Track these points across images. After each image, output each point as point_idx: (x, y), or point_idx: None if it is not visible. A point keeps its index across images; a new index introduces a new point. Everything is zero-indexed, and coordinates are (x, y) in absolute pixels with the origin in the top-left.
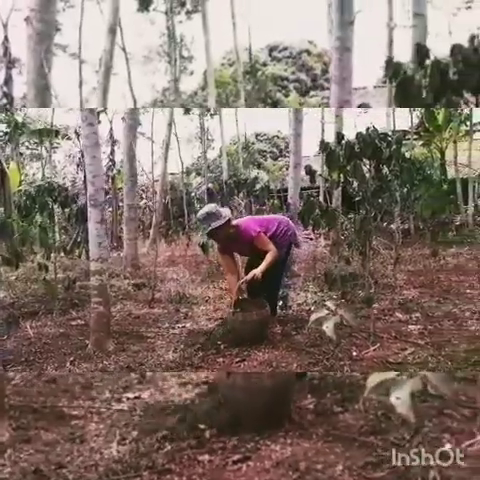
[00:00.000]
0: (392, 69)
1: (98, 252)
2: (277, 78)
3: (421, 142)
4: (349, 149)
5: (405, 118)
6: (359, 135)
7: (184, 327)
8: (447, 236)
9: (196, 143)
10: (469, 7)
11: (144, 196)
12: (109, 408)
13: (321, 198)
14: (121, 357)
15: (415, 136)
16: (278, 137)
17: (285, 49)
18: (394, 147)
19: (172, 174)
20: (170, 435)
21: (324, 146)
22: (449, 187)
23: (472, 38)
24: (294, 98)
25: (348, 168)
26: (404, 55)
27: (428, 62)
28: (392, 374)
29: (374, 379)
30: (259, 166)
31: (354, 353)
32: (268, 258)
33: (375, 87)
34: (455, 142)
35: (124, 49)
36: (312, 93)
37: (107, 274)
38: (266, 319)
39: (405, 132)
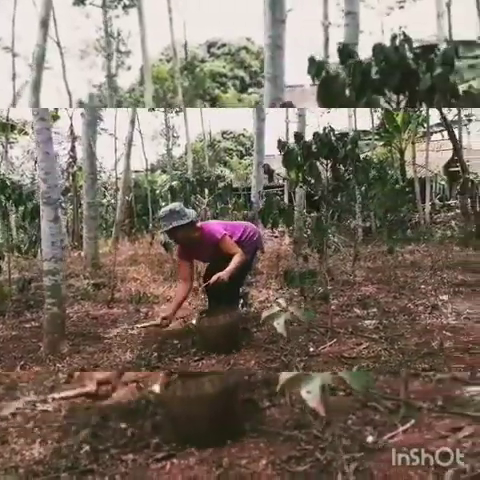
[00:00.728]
0: (315, 67)
1: (51, 251)
2: (215, 75)
3: (382, 142)
4: (306, 149)
5: (367, 119)
6: (316, 135)
7: (144, 327)
8: (405, 233)
9: (161, 140)
10: (402, 7)
11: (107, 194)
12: (34, 409)
13: (286, 197)
14: (75, 359)
15: (376, 136)
16: (244, 136)
17: (224, 46)
18: (349, 147)
19: (136, 171)
20: (93, 435)
21: (281, 146)
22: (402, 186)
23: (394, 37)
24: (233, 95)
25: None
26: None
27: (351, 61)
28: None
29: (286, 375)
30: (225, 164)
31: (311, 349)
32: (235, 260)
33: (312, 85)
34: (413, 143)
35: (58, 43)
36: (250, 90)
37: (62, 274)
38: (235, 325)
39: (366, 132)
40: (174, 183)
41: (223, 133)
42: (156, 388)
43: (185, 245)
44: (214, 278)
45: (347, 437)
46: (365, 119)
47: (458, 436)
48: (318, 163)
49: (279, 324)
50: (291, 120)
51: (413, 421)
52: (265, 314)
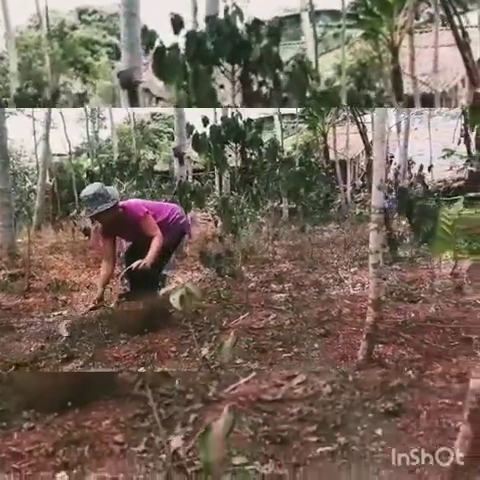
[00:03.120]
0: (147, 38)
1: None
2: (87, 42)
3: (307, 126)
4: (215, 133)
5: None
6: (224, 119)
7: (60, 315)
8: (326, 213)
9: (86, 122)
10: None
11: (28, 179)
12: None
13: (216, 180)
14: None
15: (301, 120)
16: (174, 117)
17: (95, 12)
18: (254, 131)
19: (59, 155)
20: None
21: (189, 129)
22: (305, 168)
23: (226, 10)
24: (106, 62)
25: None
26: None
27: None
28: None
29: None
30: (156, 146)
31: (224, 323)
32: (154, 246)
33: (145, 55)
34: (334, 126)
35: None
36: None
37: None
38: (154, 308)
39: (293, 116)
40: (95, 168)
41: (153, 115)
42: None
43: (108, 224)
44: (135, 264)
45: (192, 392)
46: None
47: (292, 384)
48: (228, 147)
49: (175, 299)
50: None
51: (254, 373)
52: (162, 291)
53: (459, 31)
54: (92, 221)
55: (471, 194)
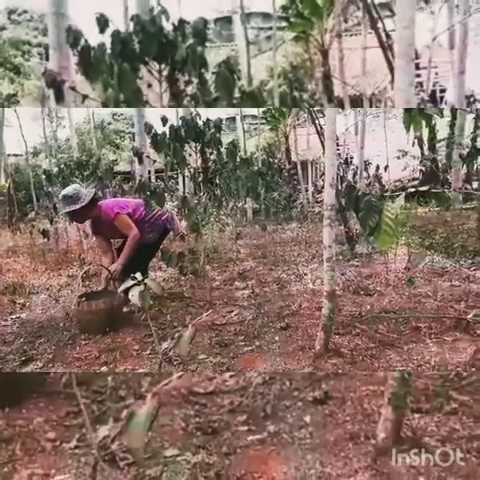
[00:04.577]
0: (72, 37)
1: None
2: (17, 42)
3: (269, 127)
4: (173, 132)
5: None
6: (183, 119)
7: (18, 318)
8: (288, 212)
9: (42, 121)
10: None
11: None
12: None
13: (180, 179)
14: None
15: (263, 121)
16: (134, 117)
17: (25, 12)
18: (212, 131)
19: (15, 155)
20: None
21: (148, 128)
22: (264, 167)
23: (151, 9)
24: (36, 63)
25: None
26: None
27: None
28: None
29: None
30: (118, 147)
31: (187, 320)
32: (126, 246)
33: (74, 55)
34: (295, 128)
35: None
36: None
37: None
38: (115, 308)
39: (255, 117)
40: (55, 168)
41: (114, 114)
42: None
43: (93, 223)
44: (112, 268)
45: (125, 388)
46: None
47: (224, 376)
48: (188, 146)
49: (134, 296)
50: None
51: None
52: (121, 288)
53: (382, 34)
54: (51, 221)
55: (412, 189)
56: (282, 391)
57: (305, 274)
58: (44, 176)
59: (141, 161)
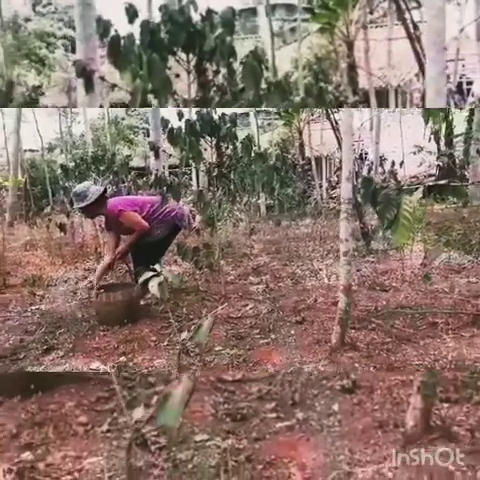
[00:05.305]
0: (102, 27)
1: None
2: (43, 34)
3: (282, 122)
4: (189, 126)
5: None
6: (198, 113)
7: (38, 309)
8: (302, 208)
9: (58, 117)
10: None
11: None
12: None
13: (193, 176)
14: None
15: (276, 116)
16: (149, 112)
17: (49, 4)
18: (228, 125)
19: (31, 151)
20: None
21: (165, 123)
22: (278, 162)
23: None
24: (61, 55)
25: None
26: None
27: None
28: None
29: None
30: (131, 142)
31: (203, 313)
32: (128, 239)
33: (101, 46)
34: (309, 123)
35: None
36: None
37: None
38: (133, 300)
39: (268, 112)
40: (71, 163)
41: (128, 110)
42: None
43: (106, 218)
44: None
45: (154, 375)
46: None
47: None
48: (204, 141)
49: (153, 286)
50: None
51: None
52: (141, 279)
53: (410, 25)
54: (67, 215)
55: (430, 183)
56: (309, 380)
57: (320, 269)
58: (60, 171)
59: (157, 155)
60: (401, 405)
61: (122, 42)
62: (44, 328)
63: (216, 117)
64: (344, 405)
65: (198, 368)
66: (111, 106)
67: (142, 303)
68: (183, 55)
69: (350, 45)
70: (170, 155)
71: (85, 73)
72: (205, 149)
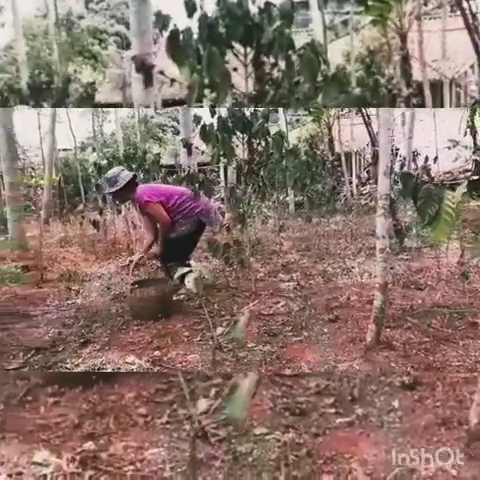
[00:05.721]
0: (161, 22)
1: None
2: (95, 31)
3: (311, 118)
4: (221, 123)
5: None
6: (230, 110)
7: (74, 303)
8: (332, 205)
9: (90, 116)
10: None
11: (34, 174)
12: None
13: (221, 173)
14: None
15: (305, 112)
16: (178, 111)
17: (102, 1)
18: (261, 121)
19: (65, 150)
20: None
21: (197, 120)
22: (309, 158)
23: None
24: (114, 51)
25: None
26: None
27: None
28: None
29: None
30: (160, 140)
31: (234, 310)
32: (160, 234)
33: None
34: (338, 118)
35: None
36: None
37: None
38: (166, 295)
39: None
40: (103, 161)
41: (156, 108)
42: None
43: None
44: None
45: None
46: None
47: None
48: (235, 137)
49: (189, 282)
50: None
51: None
52: (177, 274)
53: (469, 15)
54: (100, 213)
55: (475, 177)
56: (368, 376)
57: (352, 267)
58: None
59: (190, 152)
60: (464, 402)
61: (181, 36)
62: (81, 322)
63: (248, 113)
64: (404, 402)
65: (231, 364)
66: (163, 104)
67: (174, 298)
68: (241, 48)
69: (403, 37)
70: (202, 152)
71: (144, 68)
72: (236, 145)
